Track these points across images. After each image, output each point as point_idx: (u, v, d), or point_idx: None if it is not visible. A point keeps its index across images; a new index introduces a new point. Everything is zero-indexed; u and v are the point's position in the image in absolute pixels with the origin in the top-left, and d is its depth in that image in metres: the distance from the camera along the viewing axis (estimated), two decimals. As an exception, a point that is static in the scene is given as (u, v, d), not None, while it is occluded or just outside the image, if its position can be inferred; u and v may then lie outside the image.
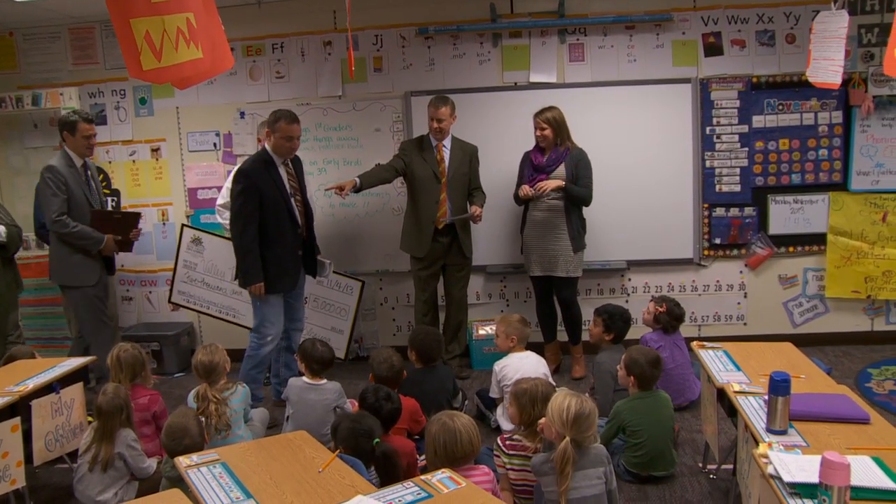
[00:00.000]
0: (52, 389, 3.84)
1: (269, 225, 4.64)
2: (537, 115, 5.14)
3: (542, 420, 3.13)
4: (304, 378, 4.14)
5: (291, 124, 4.58)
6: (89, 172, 5.13)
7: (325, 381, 4.13)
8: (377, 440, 3.09)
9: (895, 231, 5.54)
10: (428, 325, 5.19)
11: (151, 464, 3.70)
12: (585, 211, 5.29)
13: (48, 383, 3.84)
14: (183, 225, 5.77)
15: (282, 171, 4.69)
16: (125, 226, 5.25)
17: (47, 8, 5.52)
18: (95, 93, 6.08)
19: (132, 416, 3.71)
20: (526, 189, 5.08)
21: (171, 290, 5.74)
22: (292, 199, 4.73)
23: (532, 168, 5.19)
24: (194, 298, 5.72)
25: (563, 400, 3.01)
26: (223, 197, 5.49)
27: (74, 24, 6.00)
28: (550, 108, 5.12)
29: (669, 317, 4.70)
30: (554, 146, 5.14)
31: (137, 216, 5.36)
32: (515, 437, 3.42)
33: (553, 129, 5.09)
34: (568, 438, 2.93)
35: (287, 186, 4.71)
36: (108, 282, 5.41)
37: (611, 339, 4.53)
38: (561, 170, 5.11)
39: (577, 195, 5.12)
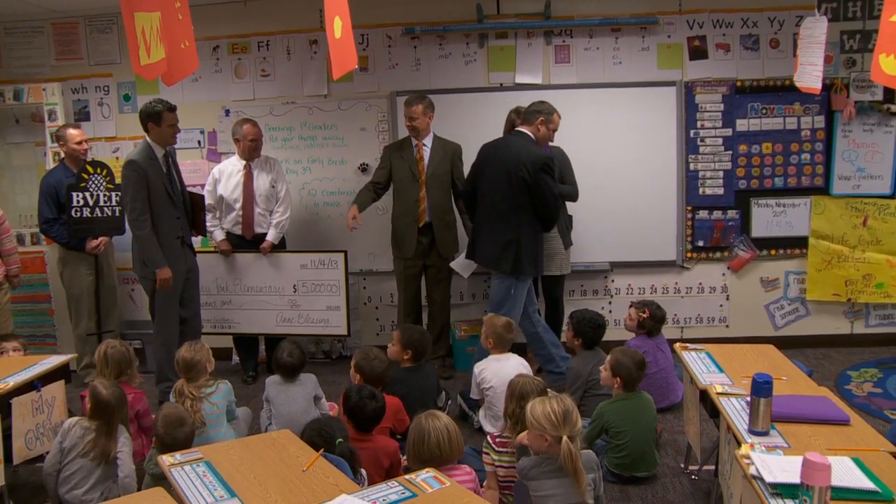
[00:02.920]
0: (34, 387, 3.81)
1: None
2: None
3: (523, 435, 3.14)
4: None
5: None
6: (170, 160, 5.06)
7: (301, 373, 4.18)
8: (340, 440, 3.08)
9: (875, 235, 5.61)
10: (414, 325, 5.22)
11: (132, 478, 3.55)
12: (571, 209, 5.34)
13: (29, 381, 3.80)
14: None
15: None
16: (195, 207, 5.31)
17: (30, 2, 5.48)
18: (79, 88, 6.03)
19: (128, 413, 3.67)
20: None
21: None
22: None
23: None
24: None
25: (545, 405, 2.98)
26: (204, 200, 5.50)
27: (58, 18, 5.95)
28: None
29: (653, 320, 4.72)
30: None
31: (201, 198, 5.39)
32: (505, 433, 3.44)
33: None
34: (566, 438, 2.92)
35: None
36: (194, 277, 5.26)
37: (580, 344, 4.54)
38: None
39: (569, 195, 5.21)
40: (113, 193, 5.45)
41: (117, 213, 5.47)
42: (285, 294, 5.55)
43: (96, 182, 5.35)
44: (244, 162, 5.43)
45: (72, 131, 5.40)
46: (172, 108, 4.95)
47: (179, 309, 5.14)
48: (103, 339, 5.48)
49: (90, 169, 5.35)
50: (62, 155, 5.50)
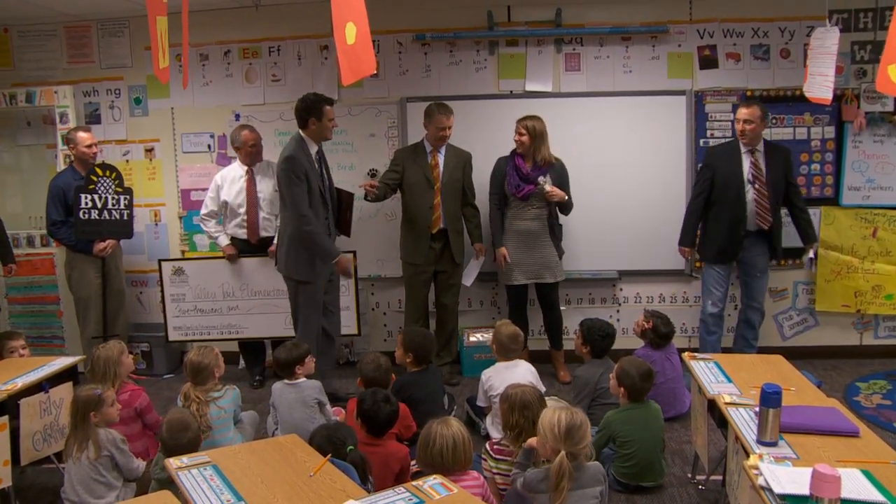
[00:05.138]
0: (42, 388, 3.82)
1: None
2: (520, 119, 5.21)
3: (533, 440, 3.13)
4: (284, 380, 4.16)
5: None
6: (321, 157, 4.92)
7: (303, 379, 4.14)
8: (351, 448, 3.08)
9: (885, 246, 5.59)
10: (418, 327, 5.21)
11: (140, 464, 3.64)
12: (570, 219, 5.42)
13: (37, 382, 3.82)
14: (160, 260, 5.67)
15: None
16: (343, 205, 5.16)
17: (43, 5, 5.51)
18: (90, 91, 6.06)
19: (102, 415, 3.53)
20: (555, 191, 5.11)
21: (165, 330, 5.68)
22: None
23: (519, 177, 5.20)
24: (192, 329, 5.65)
25: (553, 415, 3.00)
26: (206, 206, 5.49)
27: (70, 21, 5.98)
28: (533, 117, 5.19)
29: (655, 334, 4.70)
30: (532, 156, 5.19)
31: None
32: (503, 441, 3.43)
33: (530, 137, 5.14)
34: (563, 453, 2.92)
35: None
36: (337, 281, 5.12)
37: (588, 352, 4.52)
38: (548, 179, 5.17)
39: (567, 206, 5.25)
40: (121, 196, 5.47)
41: (125, 217, 5.50)
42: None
43: (105, 185, 5.38)
44: (246, 167, 5.45)
45: (82, 134, 5.42)
46: (332, 102, 4.83)
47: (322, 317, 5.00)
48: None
49: (99, 171, 5.38)
50: (72, 158, 5.51)
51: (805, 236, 5.25)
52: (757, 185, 5.02)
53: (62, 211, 5.39)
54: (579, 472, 2.98)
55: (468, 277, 5.55)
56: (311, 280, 4.83)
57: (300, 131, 4.80)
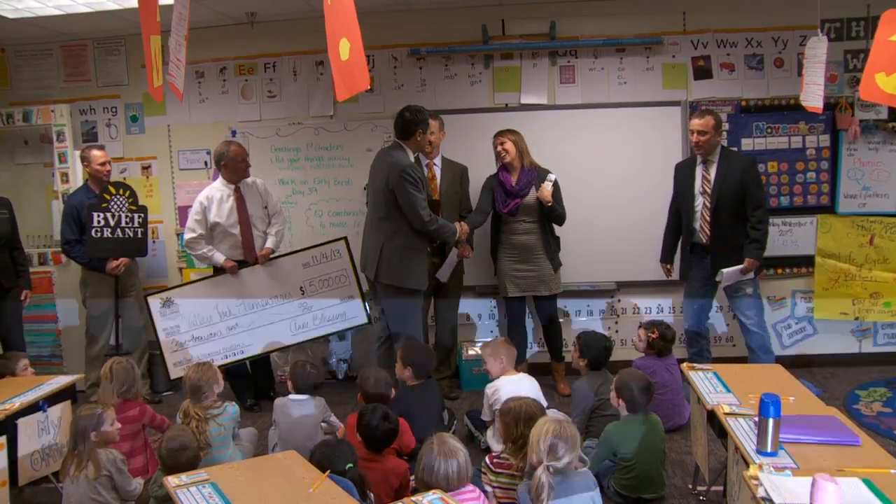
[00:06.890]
0: (39, 408, 3.81)
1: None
2: (496, 134, 5.21)
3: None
4: (290, 395, 4.14)
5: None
6: None
7: (307, 396, 4.13)
8: (350, 465, 3.07)
9: (882, 253, 5.59)
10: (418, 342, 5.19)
11: (137, 486, 3.61)
12: (567, 231, 5.38)
13: (35, 402, 3.81)
14: (145, 296, 5.43)
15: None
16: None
17: (40, 25, 5.53)
18: (87, 110, 6.09)
19: (103, 434, 3.51)
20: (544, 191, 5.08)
21: (165, 369, 5.32)
22: None
23: (504, 193, 5.20)
24: (194, 360, 5.16)
25: (542, 426, 3.01)
26: (193, 230, 5.19)
27: (67, 41, 6.01)
28: (511, 130, 5.21)
29: (664, 340, 4.69)
30: (521, 166, 5.18)
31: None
32: (503, 455, 3.42)
33: (513, 144, 5.14)
34: (543, 465, 2.93)
35: None
36: None
37: (586, 365, 4.50)
38: (534, 192, 5.17)
39: (558, 215, 5.22)
40: (135, 215, 5.45)
41: (139, 235, 5.47)
42: (294, 299, 5.34)
43: (118, 203, 5.37)
44: (233, 186, 5.24)
45: (95, 152, 5.41)
46: (432, 116, 4.92)
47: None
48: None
49: (112, 189, 5.38)
50: (86, 175, 5.50)
51: (744, 249, 4.88)
52: (704, 197, 5.01)
53: (76, 229, 5.36)
54: (567, 480, 2.97)
55: (444, 273, 5.33)
56: (423, 287, 4.89)
57: (400, 141, 4.80)
